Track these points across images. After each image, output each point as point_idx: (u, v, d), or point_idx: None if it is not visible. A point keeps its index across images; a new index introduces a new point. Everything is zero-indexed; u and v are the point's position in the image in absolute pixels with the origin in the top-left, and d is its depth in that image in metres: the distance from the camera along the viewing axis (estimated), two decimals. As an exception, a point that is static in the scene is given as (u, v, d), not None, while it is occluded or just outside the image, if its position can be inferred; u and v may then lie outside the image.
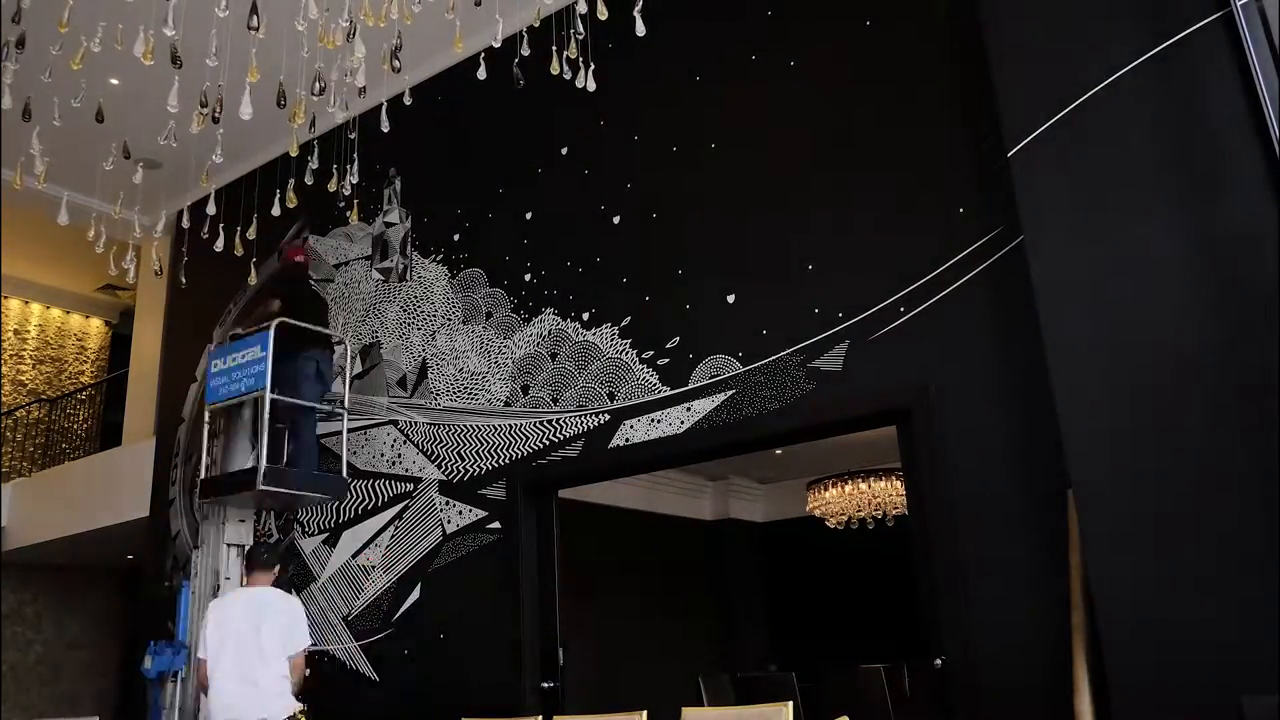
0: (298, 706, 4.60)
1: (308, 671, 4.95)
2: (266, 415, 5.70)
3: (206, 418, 6.23)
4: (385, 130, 4.46)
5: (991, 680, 3.95)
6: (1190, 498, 3.16)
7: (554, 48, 4.18)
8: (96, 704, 10.49)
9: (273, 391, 5.74)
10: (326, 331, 6.31)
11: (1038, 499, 3.95)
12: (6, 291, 11.47)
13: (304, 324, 6.08)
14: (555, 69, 4.18)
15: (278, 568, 5.16)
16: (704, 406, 5.05)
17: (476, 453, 5.94)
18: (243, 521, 6.76)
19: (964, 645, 4.03)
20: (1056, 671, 3.65)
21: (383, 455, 6.43)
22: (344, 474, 6.31)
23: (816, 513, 10.08)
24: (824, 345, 4.71)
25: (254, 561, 4.98)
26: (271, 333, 5.82)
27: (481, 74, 4.32)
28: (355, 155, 5.11)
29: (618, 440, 5.34)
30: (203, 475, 6.25)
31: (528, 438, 5.73)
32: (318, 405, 6.13)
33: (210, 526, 6.74)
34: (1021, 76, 3.85)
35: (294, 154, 4.77)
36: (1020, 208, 3.78)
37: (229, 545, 6.63)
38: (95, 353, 12.61)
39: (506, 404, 5.89)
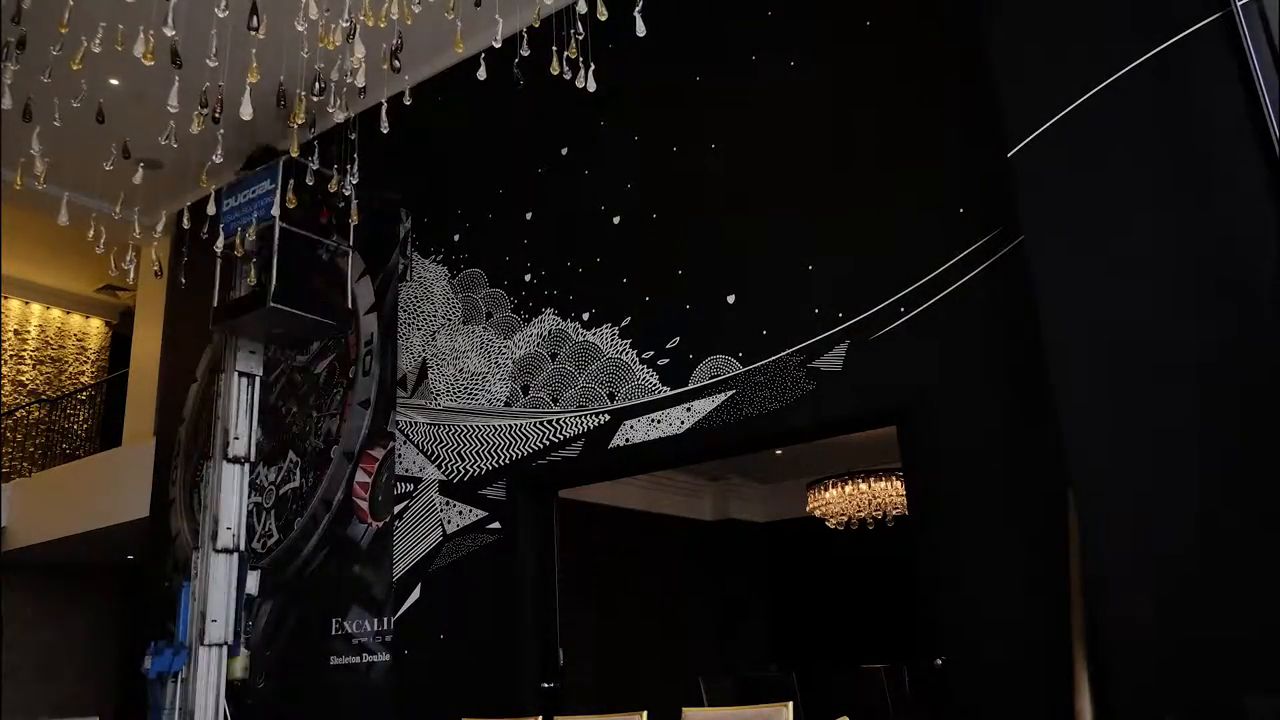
0: None
1: None
2: (277, 239, 5.89)
3: (219, 250, 5.92)
4: (385, 131, 4.46)
5: (991, 680, 3.95)
6: (1190, 497, 3.16)
7: (554, 48, 4.17)
8: (96, 704, 10.48)
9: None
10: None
11: (1038, 499, 3.95)
12: (6, 291, 11.47)
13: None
14: (555, 69, 4.18)
15: None
16: (704, 407, 5.05)
17: (476, 453, 5.94)
18: (253, 353, 6.87)
19: (964, 645, 4.04)
20: (1056, 671, 3.64)
21: (383, 455, 6.42)
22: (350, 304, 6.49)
23: (816, 513, 10.08)
24: (824, 345, 4.71)
25: None
26: (280, 167, 6.04)
27: (481, 74, 4.32)
28: (355, 155, 5.11)
29: (618, 440, 5.34)
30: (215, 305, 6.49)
31: (528, 438, 5.72)
32: (324, 240, 6.38)
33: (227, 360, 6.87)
34: (1021, 76, 3.85)
35: (294, 154, 4.78)
36: (1020, 208, 3.78)
37: (239, 374, 6.80)
38: (95, 353, 12.60)
39: (506, 404, 5.89)
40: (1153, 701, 3.10)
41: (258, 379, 6.97)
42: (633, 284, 5.52)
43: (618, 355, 5.46)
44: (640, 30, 4.04)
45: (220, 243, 5.31)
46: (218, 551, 6.46)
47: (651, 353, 5.33)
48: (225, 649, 6.29)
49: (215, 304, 6.57)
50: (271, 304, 6.13)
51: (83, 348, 12.51)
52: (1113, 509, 3.32)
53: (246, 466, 6.79)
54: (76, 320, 12.49)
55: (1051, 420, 3.60)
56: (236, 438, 6.66)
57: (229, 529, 6.55)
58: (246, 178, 6.63)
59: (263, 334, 6.80)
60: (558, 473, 5.59)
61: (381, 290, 6.83)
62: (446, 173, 6.74)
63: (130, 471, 8.47)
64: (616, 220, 5.71)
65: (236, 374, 6.84)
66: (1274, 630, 2.91)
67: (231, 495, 6.67)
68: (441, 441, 6.13)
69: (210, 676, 6.22)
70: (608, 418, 5.41)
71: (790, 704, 3.88)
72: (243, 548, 6.58)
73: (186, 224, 5.29)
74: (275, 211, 5.90)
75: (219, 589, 6.37)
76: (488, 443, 5.91)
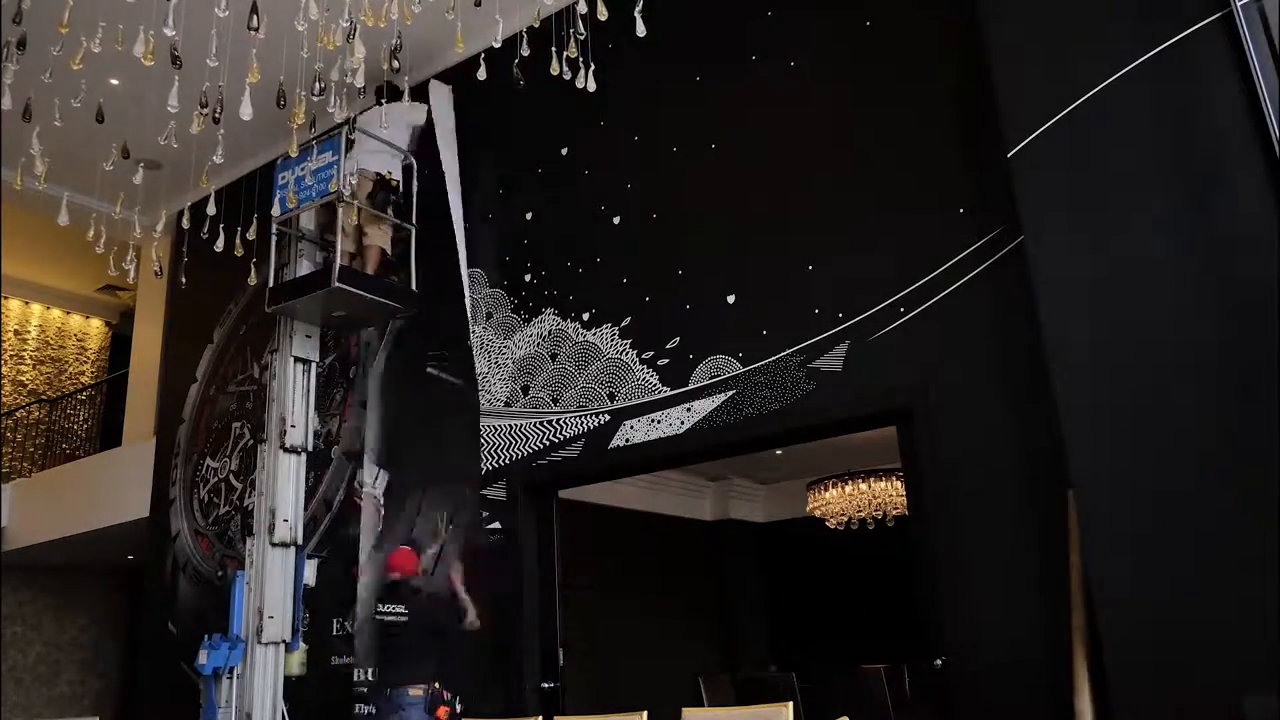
0: None
1: None
2: (340, 218, 5.66)
3: (274, 229, 6.08)
4: (385, 131, 4.46)
5: (991, 680, 3.95)
6: (1190, 498, 3.16)
7: (554, 48, 4.17)
8: (96, 704, 10.50)
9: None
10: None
11: (1038, 499, 3.95)
12: (6, 291, 11.48)
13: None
14: (555, 69, 4.18)
15: None
16: (704, 407, 5.05)
17: (476, 453, 5.93)
18: (309, 337, 6.50)
19: (964, 645, 4.04)
20: (1056, 671, 3.65)
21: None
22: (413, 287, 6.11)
23: (816, 513, 10.08)
24: (824, 345, 4.71)
25: None
26: (343, 137, 5.69)
27: (481, 74, 4.32)
28: (355, 156, 5.11)
29: (618, 440, 5.34)
30: (270, 284, 6.18)
31: (528, 438, 5.72)
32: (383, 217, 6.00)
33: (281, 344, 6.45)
34: (1021, 76, 3.85)
35: (294, 154, 4.77)
36: (1020, 208, 3.78)
37: (295, 359, 6.41)
38: (95, 353, 12.61)
39: (506, 404, 5.89)
40: (1152, 702, 3.11)
41: (314, 364, 6.56)
42: (633, 284, 5.52)
43: (618, 355, 5.47)
44: (640, 30, 4.03)
45: (220, 242, 5.31)
46: (274, 545, 6.14)
47: (651, 353, 5.33)
48: (282, 646, 6.09)
49: (271, 284, 6.15)
50: (337, 284, 5.64)
51: (83, 348, 12.51)
52: (1113, 509, 3.32)
53: (304, 456, 6.57)
54: (76, 320, 12.50)
55: (1051, 420, 3.60)
56: (293, 426, 6.38)
57: (286, 521, 6.34)
58: (302, 150, 6.01)
59: (320, 317, 6.35)
60: (558, 473, 5.59)
61: (381, 290, 6.81)
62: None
63: (130, 471, 8.46)
64: (616, 220, 5.71)
65: (292, 359, 6.45)
66: (1273, 630, 2.91)
67: (288, 486, 6.43)
68: (441, 441, 6.13)
69: (268, 674, 5.99)
70: (608, 418, 5.41)
71: (790, 704, 3.89)
72: (300, 541, 6.31)
73: (186, 224, 5.29)
74: (340, 186, 5.63)
75: (275, 584, 6.14)
76: (488, 443, 5.91)
